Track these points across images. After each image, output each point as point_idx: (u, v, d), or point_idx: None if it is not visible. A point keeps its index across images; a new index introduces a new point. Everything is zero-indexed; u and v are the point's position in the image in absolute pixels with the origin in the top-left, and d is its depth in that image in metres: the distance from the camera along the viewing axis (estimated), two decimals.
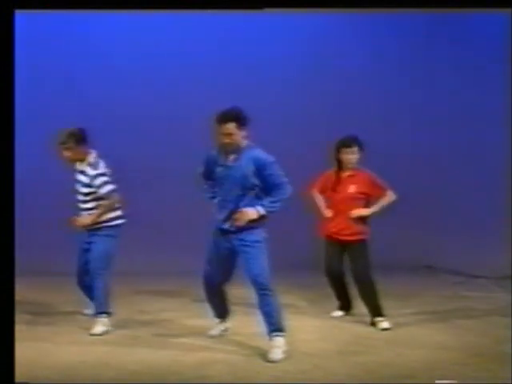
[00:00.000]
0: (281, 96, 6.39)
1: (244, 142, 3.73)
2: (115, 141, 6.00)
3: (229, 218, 3.73)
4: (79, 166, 4.21)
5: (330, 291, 4.78)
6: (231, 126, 3.65)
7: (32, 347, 3.87)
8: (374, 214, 4.46)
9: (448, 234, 6.41)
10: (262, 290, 3.69)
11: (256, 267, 3.68)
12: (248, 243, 3.72)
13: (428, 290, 5.70)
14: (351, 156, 4.41)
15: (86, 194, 4.21)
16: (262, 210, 3.67)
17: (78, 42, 6.26)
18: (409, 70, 6.58)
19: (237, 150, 3.71)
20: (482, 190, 6.33)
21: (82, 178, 4.20)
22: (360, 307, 4.69)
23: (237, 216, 3.68)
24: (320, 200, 4.56)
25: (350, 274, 4.47)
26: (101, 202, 4.19)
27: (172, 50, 6.34)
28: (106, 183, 4.18)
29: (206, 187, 3.90)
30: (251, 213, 3.66)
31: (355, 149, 4.40)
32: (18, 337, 3.63)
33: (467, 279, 6.11)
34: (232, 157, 3.73)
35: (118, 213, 4.30)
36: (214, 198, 3.86)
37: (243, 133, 3.71)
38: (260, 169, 3.68)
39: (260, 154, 3.71)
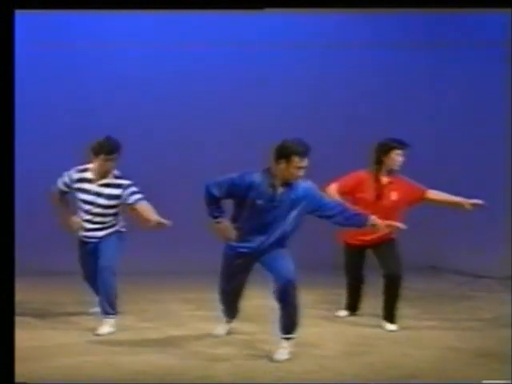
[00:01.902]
0: (282, 96, 6.39)
1: None
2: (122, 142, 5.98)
3: (266, 244, 3.67)
4: (103, 180, 4.12)
5: (334, 291, 4.77)
6: (307, 161, 3.54)
7: (35, 347, 3.85)
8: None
9: (452, 234, 6.40)
10: (293, 288, 3.61)
11: (291, 264, 3.65)
12: (280, 247, 3.71)
13: (433, 290, 5.70)
14: (401, 158, 4.29)
15: (110, 207, 4.14)
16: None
17: (78, 42, 6.27)
18: (408, 70, 6.58)
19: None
20: (487, 189, 6.30)
21: (107, 190, 4.11)
22: (365, 308, 4.67)
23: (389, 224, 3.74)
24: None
25: (383, 272, 4.34)
26: (118, 211, 4.17)
27: (172, 50, 6.35)
28: (136, 193, 4.11)
29: (215, 207, 3.72)
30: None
31: (404, 152, 4.30)
32: (21, 337, 3.63)
33: (472, 279, 6.10)
34: (281, 189, 3.60)
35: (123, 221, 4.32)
36: (218, 217, 3.73)
37: None
38: (314, 199, 3.65)
39: (309, 185, 3.64)
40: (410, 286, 5.61)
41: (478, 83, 6.47)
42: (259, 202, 3.59)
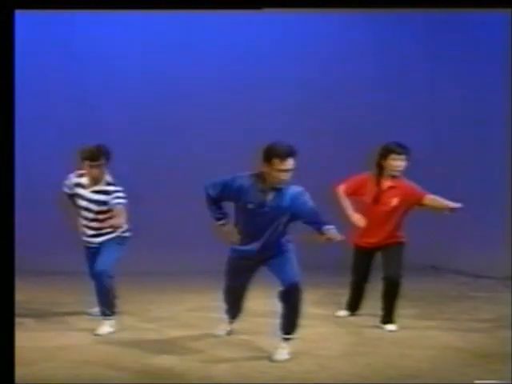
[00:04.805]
0: (282, 96, 6.39)
1: None
2: (118, 141, 6.00)
3: (262, 249, 3.66)
4: (95, 186, 4.16)
5: (334, 291, 4.77)
6: (292, 162, 3.46)
7: (35, 348, 3.84)
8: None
9: (453, 234, 6.39)
10: (298, 290, 3.61)
11: (295, 266, 3.66)
12: (281, 250, 3.71)
13: (433, 290, 5.69)
14: (400, 163, 4.23)
15: (101, 213, 4.17)
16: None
17: (78, 42, 6.28)
18: (409, 70, 6.58)
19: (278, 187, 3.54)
20: (487, 189, 6.31)
21: (99, 196, 4.15)
22: (365, 308, 4.67)
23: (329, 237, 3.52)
24: (346, 202, 4.32)
25: (383, 274, 4.34)
26: (109, 217, 4.16)
27: (172, 50, 6.36)
28: (119, 198, 4.14)
29: (215, 208, 3.71)
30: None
31: (404, 156, 4.26)
32: (21, 337, 3.62)
33: (473, 279, 6.10)
34: (271, 195, 3.56)
35: (127, 226, 4.31)
36: (221, 219, 3.72)
37: None
38: (299, 205, 3.58)
39: (297, 192, 3.57)
40: (410, 286, 5.59)
41: (478, 83, 6.47)
42: (250, 206, 3.57)
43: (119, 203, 4.12)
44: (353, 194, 4.36)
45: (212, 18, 6.06)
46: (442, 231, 6.46)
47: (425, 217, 6.44)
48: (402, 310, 4.59)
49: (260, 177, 3.58)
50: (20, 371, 3.20)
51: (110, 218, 4.18)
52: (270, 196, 3.57)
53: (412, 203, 4.34)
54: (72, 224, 4.36)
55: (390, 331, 4.31)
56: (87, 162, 4.10)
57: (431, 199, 4.31)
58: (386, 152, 4.26)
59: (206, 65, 6.36)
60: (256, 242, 3.66)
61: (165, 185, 6.25)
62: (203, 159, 6.16)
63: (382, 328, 4.35)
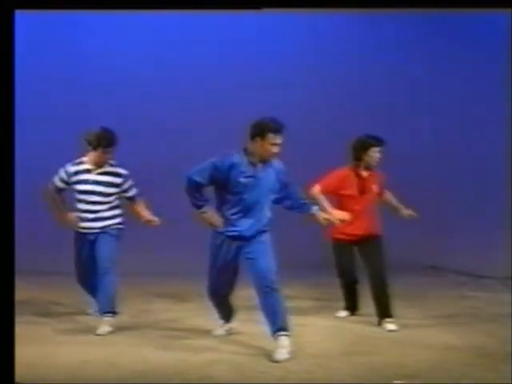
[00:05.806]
0: (281, 96, 6.39)
1: None
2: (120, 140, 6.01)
3: (255, 225, 3.72)
4: (101, 168, 4.16)
5: (334, 291, 4.77)
6: (281, 138, 3.65)
7: (35, 347, 3.84)
8: None
9: (453, 233, 6.40)
10: (271, 287, 3.65)
11: (268, 262, 3.70)
12: (261, 242, 3.75)
13: (433, 290, 5.69)
14: (379, 155, 4.38)
15: (108, 195, 4.18)
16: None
17: (78, 42, 6.30)
18: (409, 70, 6.59)
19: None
20: (487, 189, 6.32)
21: (106, 178, 4.16)
22: (365, 307, 4.67)
23: (327, 218, 3.88)
24: (326, 202, 4.35)
25: (367, 270, 4.39)
26: (117, 204, 4.24)
27: (172, 50, 6.38)
28: (133, 186, 4.23)
29: (199, 195, 3.75)
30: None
31: (381, 148, 4.39)
32: (21, 337, 3.62)
33: (473, 279, 6.11)
34: (260, 166, 3.71)
35: (122, 217, 4.33)
36: (202, 206, 3.76)
37: None
38: (283, 178, 3.84)
39: (281, 167, 3.83)
40: (410, 286, 5.62)
41: (478, 82, 6.48)
42: (242, 180, 3.67)
43: (139, 194, 4.24)
44: (333, 191, 4.42)
45: (212, 18, 6.07)
46: (442, 231, 6.47)
47: (425, 217, 6.47)
48: (402, 309, 4.59)
49: (247, 152, 3.72)
50: (20, 371, 3.20)
51: (117, 204, 4.22)
52: (260, 168, 3.72)
53: (381, 193, 4.58)
54: (58, 218, 4.33)
55: (390, 331, 4.31)
56: (100, 149, 4.09)
57: (390, 196, 4.65)
58: (367, 145, 4.37)
59: (206, 63, 6.37)
60: (247, 220, 3.72)
61: (166, 184, 6.24)
62: (202, 159, 6.16)
63: (381, 328, 4.35)
